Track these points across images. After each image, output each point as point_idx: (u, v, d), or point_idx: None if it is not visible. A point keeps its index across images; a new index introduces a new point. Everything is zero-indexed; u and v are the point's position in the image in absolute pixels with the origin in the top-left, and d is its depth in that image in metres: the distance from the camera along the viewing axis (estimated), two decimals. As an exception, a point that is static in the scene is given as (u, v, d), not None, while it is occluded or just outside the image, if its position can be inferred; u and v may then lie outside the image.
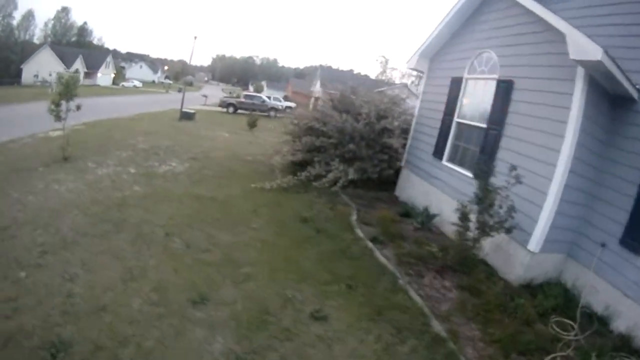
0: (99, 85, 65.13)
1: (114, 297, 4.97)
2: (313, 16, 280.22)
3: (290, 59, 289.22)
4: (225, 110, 37.47)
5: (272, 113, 37.57)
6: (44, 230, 6.61)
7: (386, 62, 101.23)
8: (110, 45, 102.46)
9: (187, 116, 26.52)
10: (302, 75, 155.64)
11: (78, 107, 12.89)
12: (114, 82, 72.26)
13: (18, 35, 76.42)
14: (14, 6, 75.70)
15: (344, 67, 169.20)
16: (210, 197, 9.36)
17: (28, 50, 75.58)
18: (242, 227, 7.73)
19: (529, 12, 6.72)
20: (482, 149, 7.60)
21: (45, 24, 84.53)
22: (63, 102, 12.61)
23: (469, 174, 7.63)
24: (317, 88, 45.84)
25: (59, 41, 78.34)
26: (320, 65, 61.46)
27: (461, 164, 8.41)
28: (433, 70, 10.28)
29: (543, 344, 4.87)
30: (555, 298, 5.69)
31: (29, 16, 78.55)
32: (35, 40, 78.93)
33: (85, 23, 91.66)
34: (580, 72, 5.78)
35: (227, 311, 4.98)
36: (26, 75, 60.42)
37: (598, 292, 5.75)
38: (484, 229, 5.93)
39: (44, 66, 59.77)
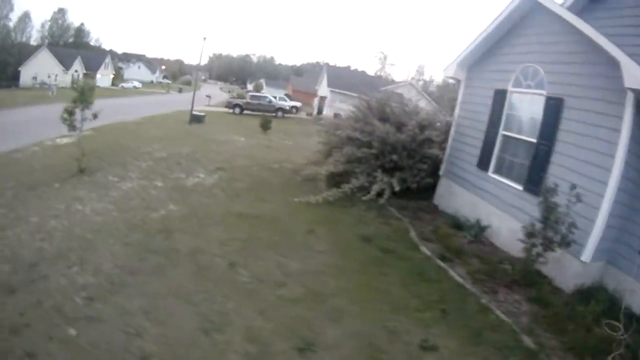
0: (98, 87, 63.75)
1: (204, 355, 4.03)
2: (309, 13, 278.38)
3: (287, 57, 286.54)
4: (231, 111, 36.36)
5: (279, 113, 36.49)
6: (81, 267, 5.62)
7: (385, 58, 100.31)
8: (106, 45, 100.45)
9: (197, 119, 25.50)
10: (300, 72, 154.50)
11: (95, 116, 11.94)
12: (113, 83, 70.87)
13: (15, 37, 74.85)
14: (10, 8, 73.99)
15: (341, 64, 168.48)
16: (255, 216, 8.34)
17: (25, 52, 74.08)
18: (306, 251, 6.85)
19: (579, 32, 6.70)
20: (532, 164, 7.59)
21: (42, 26, 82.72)
22: (77, 110, 11.76)
23: (517, 187, 7.76)
24: (323, 87, 44.57)
25: (56, 42, 76.65)
26: (327, 64, 59.94)
27: (508, 176, 8.25)
28: (472, 80, 9.97)
29: (604, 346, 5.04)
30: (603, 303, 5.94)
31: (25, 18, 76.56)
32: (32, 42, 77.35)
33: (82, 24, 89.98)
34: (630, 97, 5.98)
35: (339, 355, 4.47)
36: (24, 78, 58.79)
37: (637, 295, 6.08)
38: (549, 245, 6.16)
39: (42, 68, 58.25)
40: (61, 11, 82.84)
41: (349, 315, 5.16)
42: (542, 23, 7.86)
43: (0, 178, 10.63)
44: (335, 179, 10.47)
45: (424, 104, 45.67)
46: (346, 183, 9.83)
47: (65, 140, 15.84)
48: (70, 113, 11.68)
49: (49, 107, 27.68)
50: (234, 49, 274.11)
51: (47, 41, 77.47)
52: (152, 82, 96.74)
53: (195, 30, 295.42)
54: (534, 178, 7.22)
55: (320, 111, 44.35)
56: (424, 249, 7.51)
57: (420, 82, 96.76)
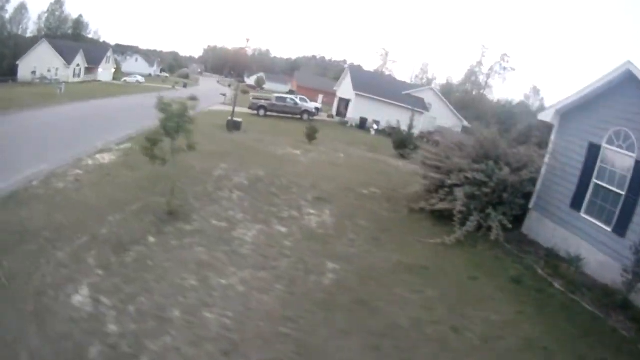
0: (100, 81, 61.43)
1: None
2: (305, 6, 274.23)
3: (283, 50, 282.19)
4: (255, 112, 34.85)
5: (305, 116, 35.15)
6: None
7: (386, 55, 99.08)
8: (102, 38, 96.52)
9: (235, 126, 23.98)
10: (297, 66, 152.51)
11: (191, 147, 10.17)
12: (114, 77, 68.45)
13: (10, 29, 71.65)
14: (6, -1, 70.82)
15: (337, 58, 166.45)
16: (422, 267, 7.55)
17: (22, 45, 71.01)
18: (492, 303, 6.85)
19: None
20: (620, 211, 8.75)
21: (39, 17, 79.36)
22: (165, 139, 9.89)
23: (607, 228, 8.95)
24: (345, 89, 42.94)
25: (54, 35, 73.62)
26: (350, 65, 58.24)
27: (598, 218, 9.32)
28: (565, 127, 11.15)
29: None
30: None
31: (21, 9, 73.28)
32: (29, 34, 74.26)
33: (80, 16, 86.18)
34: None
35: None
36: (23, 72, 55.81)
37: None
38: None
39: (42, 62, 55.36)
40: (58, 2, 79.36)
41: None
42: (636, 94, 9.00)
43: (58, 229, 7.88)
44: (439, 213, 11.08)
45: (445, 110, 45.01)
46: (448, 217, 10.47)
47: (108, 158, 14.23)
48: (154, 142, 9.75)
49: (62, 109, 26.25)
50: (230, 41, 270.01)
51: (44, 33, 74.53)
52: (150, 75, 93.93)
53: (189, 20, 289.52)
54: (622, 223, 8.49)
55: (340, 113, 43.12)
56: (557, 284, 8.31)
57: (424, 80, 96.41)
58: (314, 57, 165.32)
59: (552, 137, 11.35)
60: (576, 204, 9.99)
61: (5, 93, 35.13)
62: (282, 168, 15.08)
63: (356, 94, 38.92)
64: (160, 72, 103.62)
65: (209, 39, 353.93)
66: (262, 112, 34.50)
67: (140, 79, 67.95)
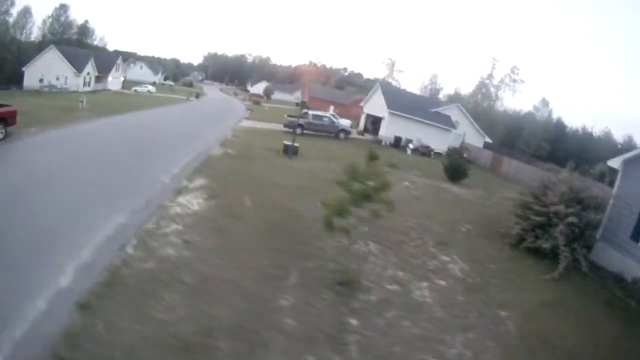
0: (109, 91, 59.65)
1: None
2: (305, 13, 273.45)
3: (282, 57, 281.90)
4: (291, 131, 33.62)
5: (341, 135, 34.08)
6: None
7: (393, 64, 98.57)
8: (103, 44, 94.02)
9: (294, 151, 22.71)
10: (297, 74, 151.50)
11: (377, 215, 8.76)
12: (123, 86, 66.70)
13: (14, 34, 69.56)
14: (11, 2, 68.69)
15: (338, 66, 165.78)
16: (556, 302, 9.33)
17: (26, 50, 68.84)
18: None
19: None
20: None
21: (44, 22, 77.21)
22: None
23: None
24: (376, 106, 41.86)
25: (58, 40, 71.70)
26: (381, 82, 57.11)
27: None
28: (628, 171, 13.36)
29: None
30: None
31: (25, 13, 71.43)
32: (33, 39, 72.31)
33: (86, 22, 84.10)
34: None
35: None
36: (29, 79, 53.50)
37: None
38: None
39: (49, 69, 52.91)
40: (63, 7, 77.68)
41: None
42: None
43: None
44: (534, 250, 12.48)
45: (469, 127, 44.25)
46: (539, 253, 12.22)
47: (194, 201, 12.04)
48: (342, 213, 8.25)
49: (92, 128, 23.49)
50: (230, 48, 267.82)
51: (48, 38, 72.59)
52: (154, 83, 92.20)
53: (188, 26, 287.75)
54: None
55: (367, 130, 42.31)
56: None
57: (431, 90, 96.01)
58: (382, 82, 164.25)
59: (617, 181, 13.68)
60: (636, 235, 12.20)
61: (19, 104, 30.36)
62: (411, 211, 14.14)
63: (389, 112, 37.99)
64: (164, 80, 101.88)
65: (208, 46, 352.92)
66: (299, 130, 33.29)
67: (151, 88, 66.28)
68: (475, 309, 8.48)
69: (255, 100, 77.56)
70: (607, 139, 74.88)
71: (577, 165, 62.32)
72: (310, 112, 35.52)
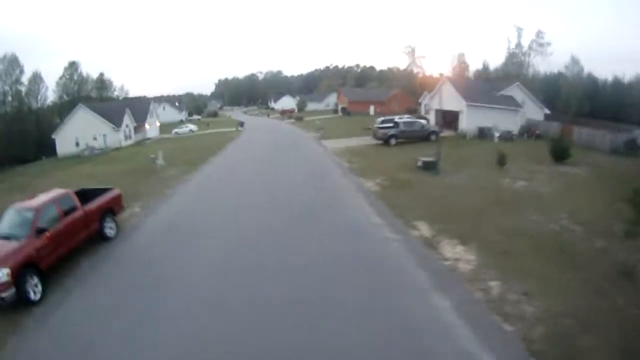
0: (151, 139, 57.12)
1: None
2: (310, 18, 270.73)
3: (294, 67, 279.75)
4: (381, 143, 30.53)
5: (432, 137, 31.14)
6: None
7: (413, 51, 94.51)
8: (124, 93, 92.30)
9: (430, 166, 20.21)
10: (312, 81, 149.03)
11: None
12: (161, 130, 64.46)
13: (29, 103, 67.74)
14: (20, 70, 66.00)
15: (350, 63, 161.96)
16: None
17: (46, 117, 67.27)
18: None
19: None
20: None
21: (57, 84, 75.38)
22: None
23: None
24: (447, 100, 38.73)
25: (73, 98, 69.78)
26: (446, 76, 52.68)
27: None
28: None
29: None
30: None
31: (36, 79, 68.88)
32: (49, 103, 70.84)
33: (102, 74, 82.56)
34: None
35: None
36: (62, 146, 50.98)
37: None
38: None
39: (83, 130, 49.84)
40: (73, 65, 76.16)
41: None
42: None
43: None
44: None
45: (529, 102, 41.45)
46: None
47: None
48: None
49: (196, 191, 18.94)
50: (239, 70, 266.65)
51: (64, 99, 71.10)
52: (182, 121, 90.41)
53: (193, 58, 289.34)
54: None
55: (438, 124, 39.43)
56: None
57: (457, 69, 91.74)
58: (327, 67, 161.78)
59: None
60: None
61: (77, 179, 24.36)
62: None
63: (468, 105, 36.81)
64: (189, 115, 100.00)
65: (218, 72, 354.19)
66: (393, 141, 30.12)
67: (193, 127, 63.71)
68: None
69: (297, 116, 74.71)
70: (639, 85, 71.59)
71: (617, 116, 60.68)
72: (400, 120, 33.01)
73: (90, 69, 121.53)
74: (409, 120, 34.45)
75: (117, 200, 13.18)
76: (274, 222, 13.11)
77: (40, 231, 9.47)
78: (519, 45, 76.37)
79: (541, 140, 32.03)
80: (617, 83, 75.88)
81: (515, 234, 11.46)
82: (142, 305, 8.32)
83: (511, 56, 77.53)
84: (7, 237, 9.26)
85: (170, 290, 8.90)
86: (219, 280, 9.30)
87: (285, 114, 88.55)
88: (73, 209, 10.98)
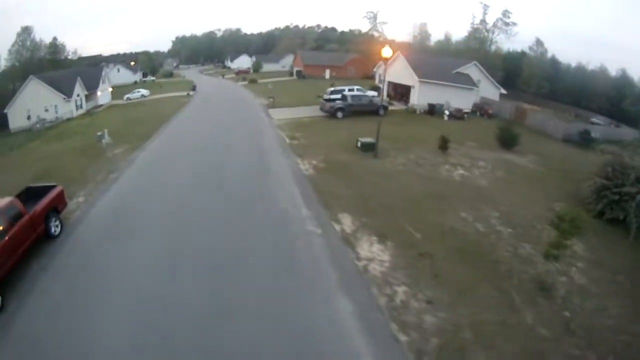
0: (102, 106, 55.45)
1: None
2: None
3: (254, 26, 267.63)
4: (328, 115, 31.36)
5: (381, 111, 31.77)
6: None
7: (375, 17, 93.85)
8: (77, 57, 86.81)
9: (370, 147, 20.99)
10: (272, 40, 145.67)
11: None
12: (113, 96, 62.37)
13: (-23, 74, 63.27)
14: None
15: (310, 23, 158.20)
16: None
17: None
18: None
19: None
20: None
21: (9, 52, 70.88)
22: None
23: None
24: (400, 74, 40.40)
25: (27, 65, 66.00)
26: (400, 52, 52.98)
27: None
28: None
29: None
30: None
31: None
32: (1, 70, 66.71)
33: (55, 39, 77.38)
34: None
35: None
36: (15, 120, 48.30)
37: None
38: None
39: (35, 102, 47.59)
40: (26, 30, 71.10)
41: None
42: None
43: None
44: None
45: (485, 81, 43.12)
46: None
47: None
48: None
49: (147, 174, 17.41)
50: (197, 28, 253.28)
51: (17, 66, 67.07)
52: (136, 82, 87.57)
53: (149, 14, 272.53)
54: None
55: (390, 96, 40.50)
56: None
57: (418, 39, 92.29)
58: (287, 27, 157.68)
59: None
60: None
61: (25, 157, 26.27)
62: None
63: (420, 81, 38.10)
64: (144, 76, 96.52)
65: (175, 29, 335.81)
66: (339, 114, 30.98)
67: (145, 92, 61.67)
68: None
69: (251, 78, 73.73)
70: (602, 73, 75.37)
71: (577, 101, 63.78)
72: (348, 94, 33.31)
73: (43, 34, 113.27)
74: (357, 93, 34.66)
75: (61, 197, 13.15)
76: (204, 205, 13.69)
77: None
78: (483, 21, 78.17)
79: (494, 120, 33.75)
80: (580, 69, 78.66)
81: (439, 234, 11.82)
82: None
83: (475, 31, 79.14)
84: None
85: (116, 283, 9.24)
86: (161, 275, 9.70)
87: (240, 74, 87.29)
88: (19, 217, 10.62)
